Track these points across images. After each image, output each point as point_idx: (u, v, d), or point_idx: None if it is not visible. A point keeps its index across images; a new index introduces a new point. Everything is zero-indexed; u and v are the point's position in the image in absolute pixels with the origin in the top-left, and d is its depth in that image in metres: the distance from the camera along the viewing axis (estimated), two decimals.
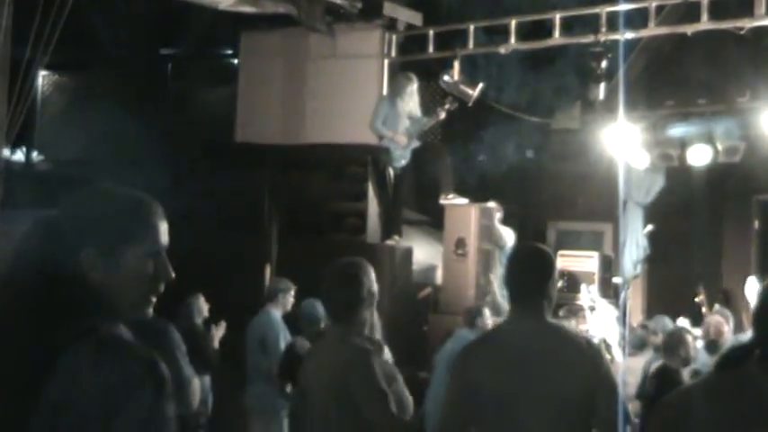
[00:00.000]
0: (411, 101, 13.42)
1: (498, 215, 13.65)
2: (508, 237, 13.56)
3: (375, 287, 5.34)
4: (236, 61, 15.85)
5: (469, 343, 5.51)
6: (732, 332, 10.93)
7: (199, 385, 7.54)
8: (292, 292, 10.65)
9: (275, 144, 14.13)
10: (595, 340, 5.21)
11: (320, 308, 8.75)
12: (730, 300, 14.52)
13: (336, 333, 5.33)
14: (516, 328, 4.90)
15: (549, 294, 4.88)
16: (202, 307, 10.83)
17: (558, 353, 4.71)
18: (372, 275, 5.36)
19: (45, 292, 2.54)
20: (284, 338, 10.29)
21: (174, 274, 2.74)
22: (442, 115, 13.34)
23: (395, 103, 13.29)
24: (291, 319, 10.49)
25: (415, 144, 13.43)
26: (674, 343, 8.79)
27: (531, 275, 4.88)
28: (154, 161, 13.63)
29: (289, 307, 10.60)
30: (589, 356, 4.74)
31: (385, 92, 13.82)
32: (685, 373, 8.67)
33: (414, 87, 13.40)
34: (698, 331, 11.04)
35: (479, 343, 5.30)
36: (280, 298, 10.59)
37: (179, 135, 15.62)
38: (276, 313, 10.50)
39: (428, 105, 14.24)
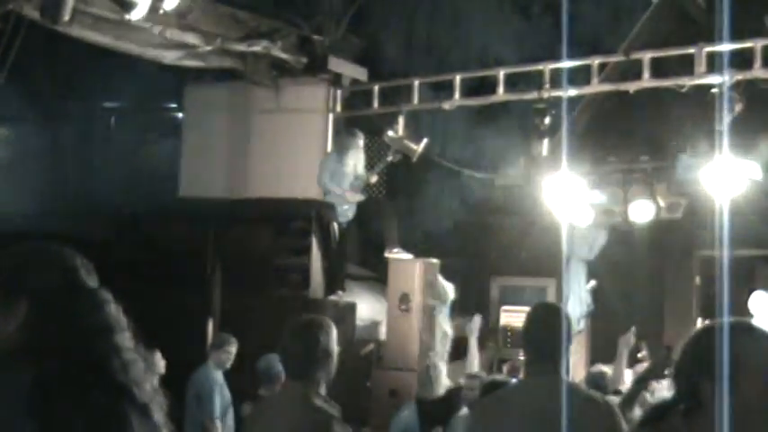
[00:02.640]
0: (357, 158, 13.47)
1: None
2: (450, 291, 13.55)
3: (333, 347, 5.24)
4: (180, 115, 15.81)
5: (488, 399, 5.49)
6: None
7: None
8: (233, 348, 10.59)
9: (219, 198, 14.07)
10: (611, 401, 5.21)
11: (278, 363, 8.71)
12: (673, 356, 14.58)
13: (295, 392, 5.21)
14: (535, 387, 4.92)
15: (565, 353, 4.90)
16: (159, 363, 10.74)
17: (574, 412, 4.69)
18: (332, 335, 5.26)
19: None
20: (220, 393, 10.29)
21: None
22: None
23: (341, 159, 13.32)
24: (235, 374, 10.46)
25: (360, 199, 13.44)
26: None
27: (551, 335, 4.88)
28: (96, 215, 13.52)
29: (228, 363, 10.56)
30: (606, 417, 4.77)
31: (329, 147, 13.85)
32: None
33: (360, 145, 13.46)
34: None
35: (498, 400, 5.29)
36: (219, 353, 10.55)
37: (122, 188, 15.52)
38: (214, 368, 10.47)
39: (372, 160, 14.26)
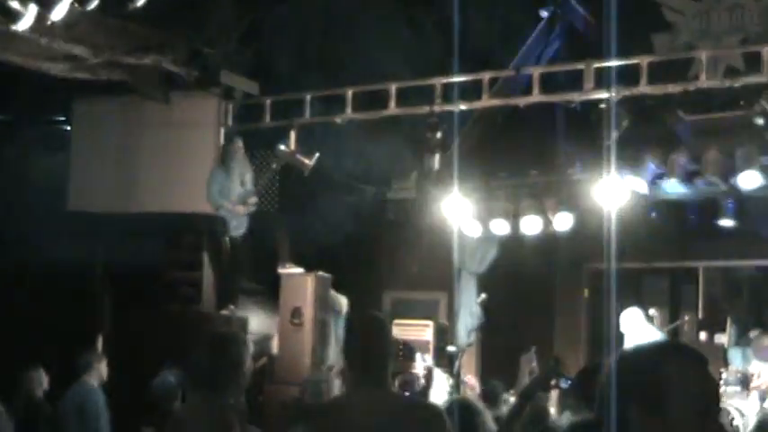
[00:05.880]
0: (243, 170, 13.44)
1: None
2: (344, 304, 13.60)
3: (246, 359, 5.25)
4: (68, 128, 15.56)
5: (311, 413, 5.42)
6: None
7: None
8: (104, 362, 10.51)
9: (109, 212, 13.88)
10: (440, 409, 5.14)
11: (172, 378, 8.78)
12: (561, 366, 14.75)
13: (200, 397, 5.23)
14: (360, 399, 4.79)
15: (390, 363, 4.86)
16: (42, 379, 10.60)
17: (402, 422, 4.63)
18: (244, 347, 5.28)
19: None
20: (103, 409, 10.16)
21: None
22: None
23: (227, 171, 13.29)
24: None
25: (249, 211, 13.38)
26: None
27: (376, 345, 4.80)
28: None
29: (105, 376, 10.42)
30: (434, 426, 4.66)
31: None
32: None
33: (241, 151, 13.43)
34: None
35: (321, 414, 5.19)
36: (101, 367, 10.44)
37: (8, 203, 15.22)
38: (94, 383, 10.31)
39: (264, 175, 14.22)
